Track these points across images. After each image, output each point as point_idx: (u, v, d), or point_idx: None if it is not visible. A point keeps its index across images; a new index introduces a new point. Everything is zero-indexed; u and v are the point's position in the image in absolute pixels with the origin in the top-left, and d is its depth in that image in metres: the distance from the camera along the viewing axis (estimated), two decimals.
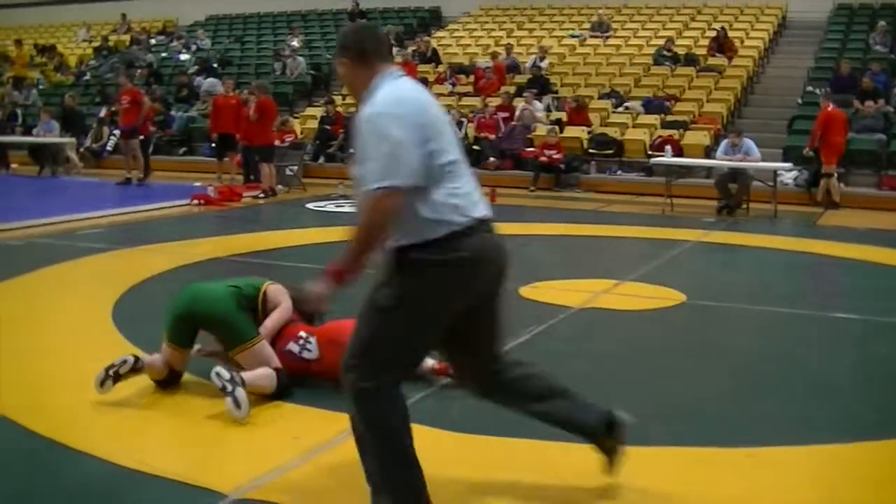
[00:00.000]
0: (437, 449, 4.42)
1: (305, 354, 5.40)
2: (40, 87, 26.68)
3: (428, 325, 3.62)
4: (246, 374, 4.95)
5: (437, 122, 3.59)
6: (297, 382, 5.35)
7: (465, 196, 3.58)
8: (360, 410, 3.57)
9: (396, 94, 3.56)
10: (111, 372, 5.02)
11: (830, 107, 15.96)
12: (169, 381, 5.30)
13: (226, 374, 4.78)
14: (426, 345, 3.75)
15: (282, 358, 5.33)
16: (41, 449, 4.39)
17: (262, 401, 5.04)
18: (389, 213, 3.40)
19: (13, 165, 20.96)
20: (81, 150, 21.73)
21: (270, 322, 5.40)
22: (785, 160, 16.39)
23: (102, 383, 5.01)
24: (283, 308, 5.47)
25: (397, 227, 3.48)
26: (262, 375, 5.07)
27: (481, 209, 3.63)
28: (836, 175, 15.87)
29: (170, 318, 5.28)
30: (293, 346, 5.43)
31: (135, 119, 17.84)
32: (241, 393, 4.73)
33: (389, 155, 3.38)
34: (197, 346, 5.44)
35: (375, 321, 3.56)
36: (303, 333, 5.47)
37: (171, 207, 14.39)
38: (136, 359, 5.13)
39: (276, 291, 5.53)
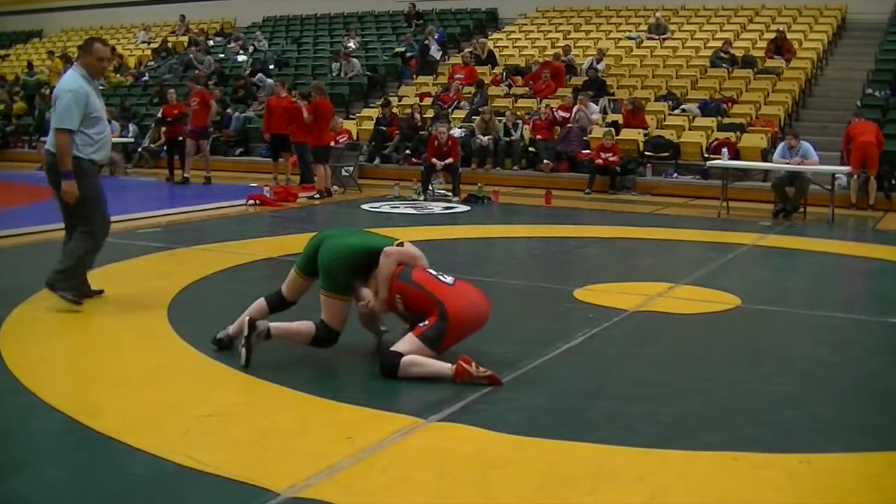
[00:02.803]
0: (490, 451, 4.43)
1: (442, 279, 5.72)
2: (100, 87, 26.99)
3: None
4: (280, 326, 5.67)
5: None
6: (349, 384, 5.40)
7: None
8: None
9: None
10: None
11: (856, 120, 16.62)
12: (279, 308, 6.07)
13: (245, 331, 5.50)
14: None
15: (420, 276, 5.71)
16: (96, 445, 4.43)
17: (317, 401, 5.08)
18: None
19: None
20: (140, 150, 22.02)
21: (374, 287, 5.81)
22: (843, 163, 16.19)
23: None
24: (378, 274, 5.75)
25: None
26: (301, 325, 5.72)
27: None
28: (873, 178, 16.09)
29: (309, 245, 6.01)
30: (432, 270, 5.83)
31: (204, 120, 18.08)
32: (242, 353, 5.51)
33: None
34: (384, 329, 6.14)
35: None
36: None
37: (227, 207, 14.57)
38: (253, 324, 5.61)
39: (386, 254, 5.75)
